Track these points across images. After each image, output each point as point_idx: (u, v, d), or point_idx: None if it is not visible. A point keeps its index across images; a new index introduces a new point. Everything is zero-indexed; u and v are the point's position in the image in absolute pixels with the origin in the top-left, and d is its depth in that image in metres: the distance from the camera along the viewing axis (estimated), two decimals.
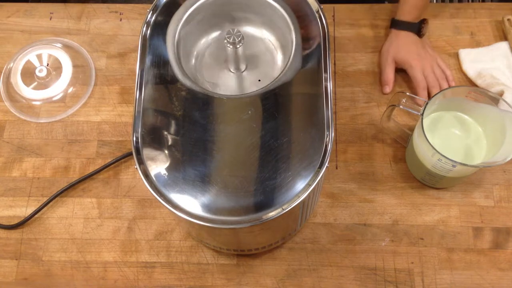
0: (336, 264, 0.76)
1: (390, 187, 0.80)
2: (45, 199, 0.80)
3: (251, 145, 0.60)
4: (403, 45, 0.85)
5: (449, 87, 0.84)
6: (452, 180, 0.77)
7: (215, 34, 0.70)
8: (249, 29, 0.70)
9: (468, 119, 0.76)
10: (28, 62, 0.91)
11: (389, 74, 0.86)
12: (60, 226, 0.80)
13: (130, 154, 0.82)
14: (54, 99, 0.89)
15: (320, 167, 0.59)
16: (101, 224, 0.80)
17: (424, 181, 0.79)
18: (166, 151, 0.60)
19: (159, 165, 0.60)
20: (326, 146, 0.60)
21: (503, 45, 0.88)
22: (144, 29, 0.66)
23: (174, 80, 0.63)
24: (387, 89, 0.86)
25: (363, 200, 0.79)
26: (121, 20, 0.95)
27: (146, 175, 0.60)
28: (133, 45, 0.92)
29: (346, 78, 0.88)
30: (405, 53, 0.85)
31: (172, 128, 0.61)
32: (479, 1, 1.23)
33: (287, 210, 0.58)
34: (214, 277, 0.76)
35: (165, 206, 0.58)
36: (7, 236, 0.80)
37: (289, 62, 0.64)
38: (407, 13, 0.86)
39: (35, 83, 0.89)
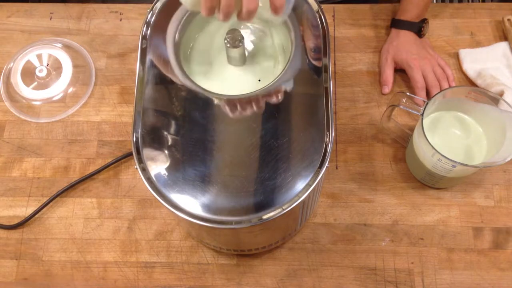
0: (336, 264, 0.76)
1: (390, 187, 0.80)
2: (45, 199, 0.80)
3: (251, 145, 0.60)
4: (402, 45, 0.85)
5: (450, 87, 0.84)
6: (452, 180, 0.77)
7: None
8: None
9: (468, 119, 0.76)
10: (28, 62, 0.91)
11: (388, 74, 0.86)
12: (60, 226, 0.80)
13: (130, 154, 0.82)
14: (54, 99, 0.89)
15: (320, 167, 0.59)
16: (101, 224, 0.80)
17: (424, 181, 0.79)
18: (166, 151, 0.60)
19: (159, 165, 0.60)
20: (326, 146, 0.60)
21: (503, 45, 0.88)
22: (144, 29, 0.66)
23: (174, 80, 0.64)
24: (386, 89, 0.86)
25: (363, 200, 0.79)
26: (121, 20, 0.95)
27: (146, 175, 0.60)
28: (133, 45, 0.92)
29: (346, 78, 0.88)
30: (404, 53, 0.85)
31: (172, 128, 0.61)
32: (479, 1, 1.23)
33: (287, 210, 0.58)
34: (214, 277, 0.76)
35: (165, 206, 0.58)
36: (7, 236, 0.80)
37: (289, 62, 0.64)
38: (408, 12, 0.86)
39: (35, 83, 0.89)
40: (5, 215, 0.81)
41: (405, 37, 0.86)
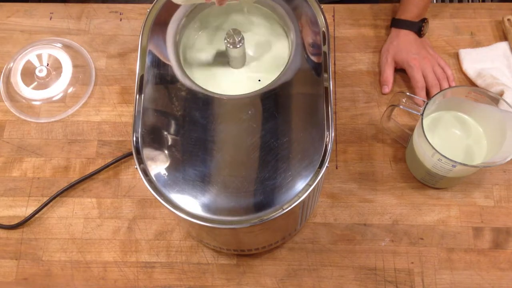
0: (336, 264, 0.76)
1: (390, 187, 0.80)
2: (45, 199, 0.80)
3: (251, 145, 0.60)
4: (403, 45, 0.85)
5: (450, 87, 0.84)
6: (452, 180, 0.77)
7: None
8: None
9: (468, 119, 0.76)
10: (28, 62, 0.91)
11: (389, 74, 0.86)
12: (60, 226, 0.80)
13: (130, 154, 0.82)
14: (54, 99, 0.89)
15: (320, 167, 0.59)
16: (101, 224, 0.80)
17: (424, 181, 0.79)
18: (166, 151, 0.60)
19: (159, 165, 0.60)
20: (326, 146, 0.60)
21: (503, 45, 0.88)
22: (144, 29, 0.66)
23: (174, 80, 0.64)
24: (386, 89, 0.86)
25: (363, 200, 0.79)
26: (121, 20, 0.95)
27: (146, 175, 0.60)
28: (133, 45, 0.92)
29: (346, 78, 0.88)
30: (404, 53, 0.85)
31: (172, 128, 0.61)
32: (479, 1, 1.23)
33: (287, 210, 0.58)
34: (214, 277, 0.76)
35: (165, 206, 0.58)
36: (7, 236, 0.80)
37: (289, 62, 0.64)
38: (408, 11, 0.86)
39: (35, 83, 0.89)
40: (5, 215, 0.81)
41: (405, 37, 0.86)
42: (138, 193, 0.81)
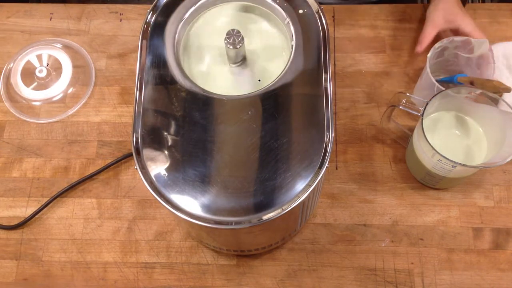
0: (336, 265, 0.76)
1: (390, 187, 0.80)
2: (45, 200, 0.80)
3: (251, 146, 0.60)
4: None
5: (449, 88, 0.84)
6: (452, 181, 0.77)
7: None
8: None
9: (468, 119, 0.76)
10: (28, 62, 0.91)
11: (428, 32, 0.82)
12: (60, 226, 0.80)
13: (130, 154, 0.82)
14: (54, 99, 0.89)
15: (320, 167, 0.59)
16: (101, 225, 0.80)
17: (424, 181, 0.79)
18: (166, 152, 0.60)
19: (159, 166, 0.60)
20: (326, 146, 0.60)
21: (503, 45, 0.88)
22: (144, 29, 0.66)
23: (174, 80, 0.64)
24: (419, 47, 0.82)
25: (363, 200, 0.79)
26: (121, 20, 0.95)
27: (146, 175, 0.60)
28: (133, 45, 0.92)
29: (346, 79, 0.88)
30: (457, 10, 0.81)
31: (172, 129, 0.61)
32: (479, 2, 1.23)
33: (287, 210, 0.58)
34: (214, 277, 0.76)
35: (165, 207, 0.58)
36: (7, 236, 0.80)
37: (289, 63, 0.64)
38: None
39: (35, 83, 0.89)
40: (5, 215, 0.81)
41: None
42: (138, 193, 0.81)
